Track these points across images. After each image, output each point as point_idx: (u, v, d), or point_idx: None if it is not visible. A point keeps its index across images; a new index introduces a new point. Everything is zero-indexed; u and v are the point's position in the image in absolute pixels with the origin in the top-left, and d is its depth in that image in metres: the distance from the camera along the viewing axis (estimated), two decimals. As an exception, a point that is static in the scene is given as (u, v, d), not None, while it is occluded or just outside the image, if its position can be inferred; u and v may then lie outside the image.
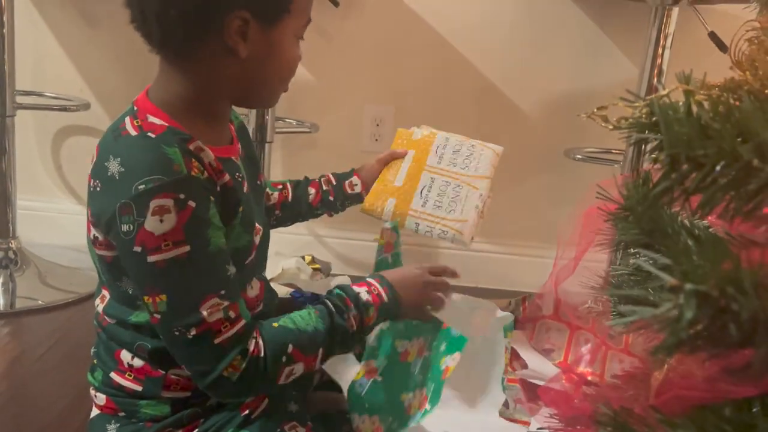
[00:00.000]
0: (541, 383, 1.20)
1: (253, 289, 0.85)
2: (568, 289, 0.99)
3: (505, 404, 1.12)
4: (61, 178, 1.87)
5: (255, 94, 0.81)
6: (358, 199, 1.05)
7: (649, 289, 0.52)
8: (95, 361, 0.83)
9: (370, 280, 0.83)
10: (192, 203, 0.69)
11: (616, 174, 1.32)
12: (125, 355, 0.79)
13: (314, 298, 1.15)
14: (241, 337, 0.71)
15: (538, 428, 0.68)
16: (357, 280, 0.86)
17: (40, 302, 1.51)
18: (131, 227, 0.68)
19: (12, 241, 1.62)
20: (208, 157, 0.74)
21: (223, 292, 0.70)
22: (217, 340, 0.69)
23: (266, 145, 1.60)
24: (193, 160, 0.72)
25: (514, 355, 1.32)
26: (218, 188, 0.75)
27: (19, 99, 1.58)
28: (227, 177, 0.76)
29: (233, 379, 0.70)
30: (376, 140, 1.83)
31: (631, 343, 1.33)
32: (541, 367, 1.25)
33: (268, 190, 1.05)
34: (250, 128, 1.58)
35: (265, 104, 0.87)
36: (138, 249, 0.68)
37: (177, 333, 0.69)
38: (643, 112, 0.39)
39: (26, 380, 1.21)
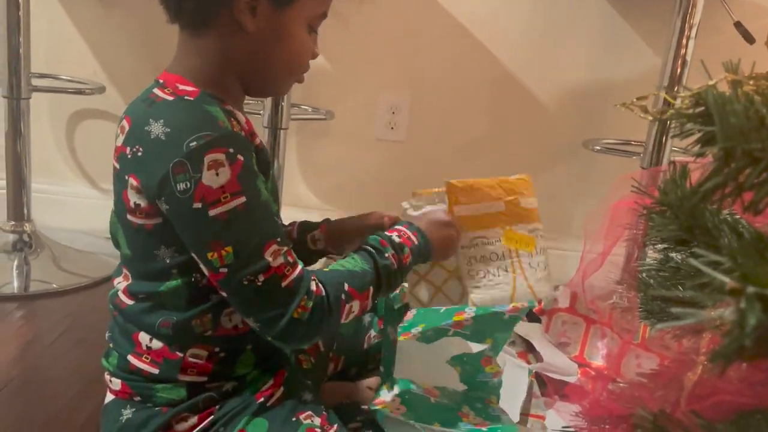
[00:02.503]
0: (557, 377, 1.19)
1: None
2: (594, 284, 0.97)
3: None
4: (75, 162, 1.87)
5: (261, 78, 0.81)
6: (321, 255, 1.01)
7: (692, 290, 0.50)
8: (110, 345, 0.83)
9: (398, 227, 0.89)
10: (240, 156, 0.71)
11: (644, 167, 1.29)
12: (143, 337, 0.79)
13: None
14: (303, 279, 0.73)
15: (563, 427, 0.67)
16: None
17: (54, 286, 1.51)
18: (188, 184, 0.69)
19: (26, 225, 1.61)
20: (241, 119, 0.77)
21: (279, 239, 0.73)
22: (284, 283, 0.72)
23: (280, 131, 1.58)
24: (233, 119, 0.74)
25: (529, 348, 1.31)
26: (254, 148, 0.77)
27: (35, 81, 1.58)
28: (258, 140, 0.79)
29: (304, 319, 0.72)
30: (392, 128, 1.81)
31: (648, 338, 1.31)
32: (556, 360, 1.24)
33: None
34: (265, 114, 1.56)
35: (272, 91, 0.88)
36: (198, 205, 0.69)
37: (246, 282, 0.70)
38: (686, 103, 0.37)
39: (39, 365, 1.21)
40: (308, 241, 0.99)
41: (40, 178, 1.73)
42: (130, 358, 0.79)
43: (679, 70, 1.51)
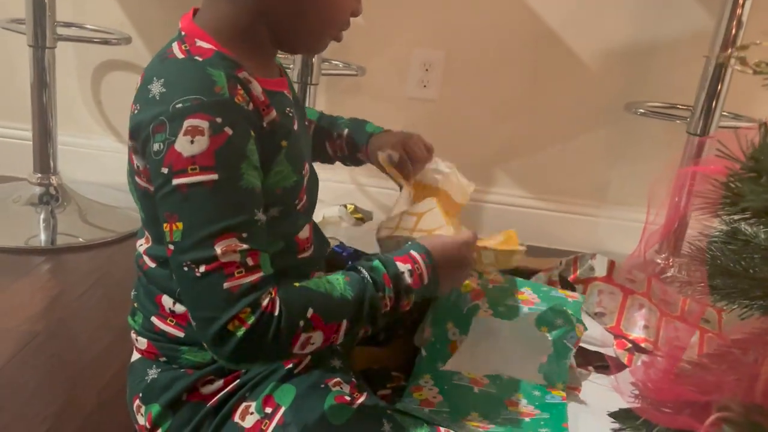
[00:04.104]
0: (592, 348, 1.15)
1: (304, 231, 0.81)
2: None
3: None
4: (101, 114, 1.84)
5: (295, 30, 0.75)
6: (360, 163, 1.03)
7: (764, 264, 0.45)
8: (135, 305, 0.81)
9: (414, 254, 0.75)
10: (229, 130, 0.64)
11: (690, 132, 1.20)
12: (166, 300, 0.76)
13: (357, 255, 1.11)
14: (255, 288, 0.63)
15: (621, 409, 0.64)
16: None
17: (80, 240, 1.50)
18: (161, 146, 0.64)
19: (53, 177, 1.60)
20: (255, 89, 0.70)
21: (244, 235, 0.64)
22: (227, 284, 0.62)
23: (311, 87, 1.53)
24: (239, 87, 0.68)
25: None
26: (265, 124, 0.70)
27: (60, 30, 1.54)
28: (274, 113, 0.72)
29: (238, 335, 0.62)
30: (425, 86, 1.75)
31: (687, 311, 1.26)
32: (592, 331, 1.19)
33: None
34: (295, 69, 1.51)
35: (307, 46, 0.79)
36: (165, 170, 0.64)
37: (186, 269, 0.63)
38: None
39: (66, 319, 1.20)
40: (327, 147, 0.99)
41: (65, 130, 1.70)
42: (154, 319, 0.78)
43: (733, 32, 1.42)
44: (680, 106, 1.60)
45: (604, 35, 1.68)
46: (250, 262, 0.64)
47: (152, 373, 0.77)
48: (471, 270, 0.84)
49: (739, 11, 1.40)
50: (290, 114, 0.76)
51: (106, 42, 1.61)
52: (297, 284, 0.68)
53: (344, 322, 0.68)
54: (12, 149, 1.78)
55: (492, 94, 1.74)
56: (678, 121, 1.56)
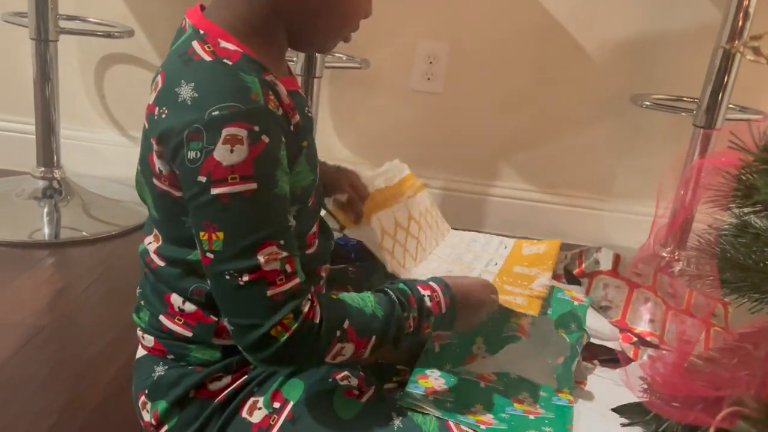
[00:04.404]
0: (597, 342, 1.15)
1: (312, 228, 0.81)
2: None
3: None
4: (104, 108, 1.84)
5: (311, 28, 0.75)
6: None
7: None
8: (142, 302, 0.80)
9: (433, 285, 0.78)
10: (266, 138, 0.64)
11: (697, 125, 1.19)
12: (176, 299, 0.75)
13: (360, 246, 1.11)
14: (296, 295, 0.65)
15: (622, 405, 0.63)
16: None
17: (84, 234, 1.49)
18: (198, 154, 0.63)
19: (56, 171, 1.60)
20: (282, 92, 0.69)
21: (282, 242, 0.65)
22: (270, 292, 0.63)
23: (315, 80, 1.52)
24: (270, 93, 0.67)
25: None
26: (291, 128, 0.70)
27: (62, 23, 1.53)
28: (298, 116, 0.71)
29: (281, 340, 0.63)
30: (429, 79, 1.74)
31: (694, 304, 1.25)
32: (597, 324, 1.19)
33: None
34: (299, 62, 1.50)
35: (319, 44, 0.78)
36: (203, 179, 0.63)
37: (228, 277, 0.64)
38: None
39: (71, 313, 1.20)
40: None
41: (68, 124, 1.70)
42: (162, 318, 0.77)
43: (740, 24, 1.40)
44: (686, 99, 1.59)
45: (610, 27, 1.66)
46: (288, 269, 0.65)
47: (159, 370, 0.77)
48: (493, 312, 0.86)
49: (746, 2, 1.38)
50: (309, 114, 0.76)
51: (108, 35, 1.61)
52: (334, 296, 0.70)
53: (373, 338, 0.70)
54: (15, 143, 1.78)
55: (497, 87, 1.73)
56: (684, 114, 1.55)
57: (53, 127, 1.56)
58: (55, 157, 1.59)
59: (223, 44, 0.68)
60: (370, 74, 1.72)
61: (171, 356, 0.77)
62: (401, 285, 0.75)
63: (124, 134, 1.84)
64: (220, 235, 0.64)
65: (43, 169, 1.58)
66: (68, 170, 1.63)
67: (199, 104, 0.64)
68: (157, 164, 0.69)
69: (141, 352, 0.80)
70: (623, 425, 0.76)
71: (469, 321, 0.82)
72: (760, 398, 0.36)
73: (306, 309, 0.65)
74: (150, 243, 0.78)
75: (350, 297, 0.71)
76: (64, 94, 1.60)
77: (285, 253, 0.65)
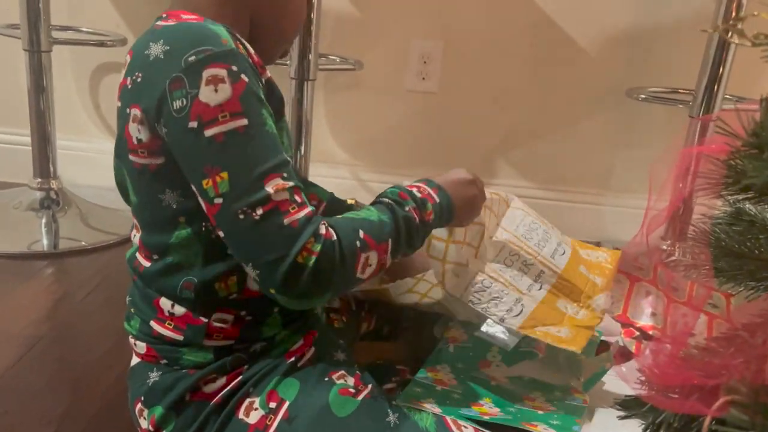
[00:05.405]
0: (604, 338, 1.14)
1: None
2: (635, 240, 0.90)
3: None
4: (99, 117, 1.84)
5: (270, 29, 0.78)
6: None
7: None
8: (132, 310, 0.80)
9: (416, 183, 0.79)
10: (245, 77, 0.65)
11: (693, 116, 1.18)
12: (165, 303, 0.75)
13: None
14: (312, 221, 0.65)
15: (626, 396, 0.63)
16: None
17: (82, 243, 1.50)
18: (185, 101, 0.63)
19: (53, 182, 1.60)
20: (249, 47, 0.70)
21: (285, 174, 0.65)
22: (286, 220, 0.63)
23: (308, 83, 1.52)
24: (239, 44, 0.68)
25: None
26: (264, 81, 0.70)
27: (55, 34, 1.53)
28: (269, 75, 0.72)
29: (309, 265, 0.63)
30: (423, 79, 1.74)
31: (695, 296, 1.24)
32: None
33: None
34: (292, 65, 1.50)
35: (275, 49, 0.82)
36: (194, 124, 0.64)
37: (242, 216, 0.63)
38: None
39: (70, 322, 1.20)
40: None
41: (64, 134, 1.70)
42: (152, 323, 0.76)
43: (734, 12, 1.40)
44: (682, 91, 1.59)
45: (603, 21, 1.66)
46: (297, 198, 0.65)
47: (153, 376, 0.76)
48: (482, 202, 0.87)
49: (738, -9, 1.38)
50: (280, 93, 0.76)
51: (101, 44, 1.61)
52: (339, 217, 0.70)
53: (390, 241, 0.70)
54: (11, 155, 1.78)
55: (492, 84, 1.72)
56: (680, 106, 1.55)
57: (49, 138, 1.57)
58: (51, 168, 1.59)
59: (185, 16, 0.70)
60: (365, 75, 1.72)
61: (164, 361, 0.76)
62: (388, 190, 0.76)
63: (120, 143, 1.84)
64: (224, 175, 0.64)
65: (40, 180, 1.59)
66: (65, 180, 1.64)
67: (173, 54, 0.65)
68: (135, 133, 0.69)
69: (135, 360, 0.80)
70: (620, 418, 0.75)
71: (467, 210, 0.83)
72: (753, 384, 0.35)
73: (323, 230, 0.65)
74: (135, 236, 0.78)
75: (352, 214, 0.71)
76: (59, 104, 1.60)
77: (291, 183, 0.65)
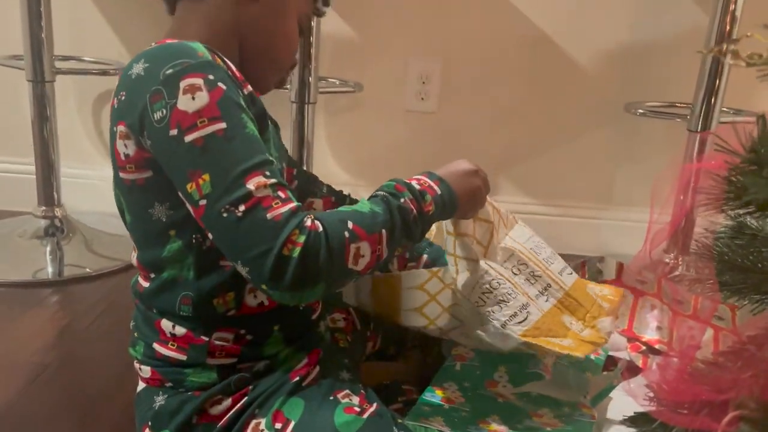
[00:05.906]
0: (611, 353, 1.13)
1: None
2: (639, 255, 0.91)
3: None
4: (103, 145, 1.85)
5: (261, 56, 0.81)
6: None
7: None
8: (135, 335, 0.80)
9: (417, 176, 0.78)
10: (222, 85, 0.67)
11: (691, 129, 1.17)
12: (166, 324, 0.76)
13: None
14: (295, 214, 0.65)
15: (636, 412, 0.63)
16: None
17: (87, 270, 1.50)
18: (164, 111, 0.66)
19: (57, 209, 1.61)
20: (231, 66, 0.72)
21: (267, 172, 0.66)
22: (269, 215, 0.64)
23: (308, 106, 1.54)
24: (218, 57, 0.71)
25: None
26: (245, 92, 0.72)
27: (58, 64, 1.55)
28: (250, 90, 0.73)
29: (294, 256, 0.63)
30: (422, 99, 1.75)
31: (700, 309, 1.24)
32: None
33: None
34: (293, 89, 1.52)
35: (268, 75, 0.84)
36: (174, 132, 0.66)
37: (226, 214, 0.64)
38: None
39: (76, 350, 1.20)
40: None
41: (68, 162, 1.71)
42: (155, 346, 0.77)
43: (728, 27, 1.42)
44: (679, 105, 1.60)
45: (600, 38, 1.68)
46: (281, 194, 0.66)
47: (159, 399, 0.77)
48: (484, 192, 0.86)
49: (732, 6, 1.40)
50: (263, 107, 0.76)
51: (104, 72, 1.63)
52: (327, 211, 0.71)
53: (384, 232, 0.69)
54: (16, 184, 1.79)
55: (491, 101, 1.74)
56: (678, 120, 1.56)
57: (53, 166, 1.58)
58: (55, 196, 1.60)
59: (169, 42, 0.72)
60: (365, 97, 1.73)
61: (169, 384, 0.76)
62: (384, 184, 0.76)
63: (123, 169, 1.85)
64: (206, 177, 0.65)
65: (44, 208, 1.59)
66: (69, 208, 1.64)
67: (152, 70, 0.68)
68: (122, 150, 0.71)
69: (141, 385, 0.80)
70: (627, 435, 0.75)
71: (470, 201, 0.82)
72: (760, 399, 0.36)
73: (308, 223, 0.65)
74: (133, 257, 0.79)
75: (343, 207, 0.72)
76: (63, 132, 1.61)
77: (273, 180, 0.66)
